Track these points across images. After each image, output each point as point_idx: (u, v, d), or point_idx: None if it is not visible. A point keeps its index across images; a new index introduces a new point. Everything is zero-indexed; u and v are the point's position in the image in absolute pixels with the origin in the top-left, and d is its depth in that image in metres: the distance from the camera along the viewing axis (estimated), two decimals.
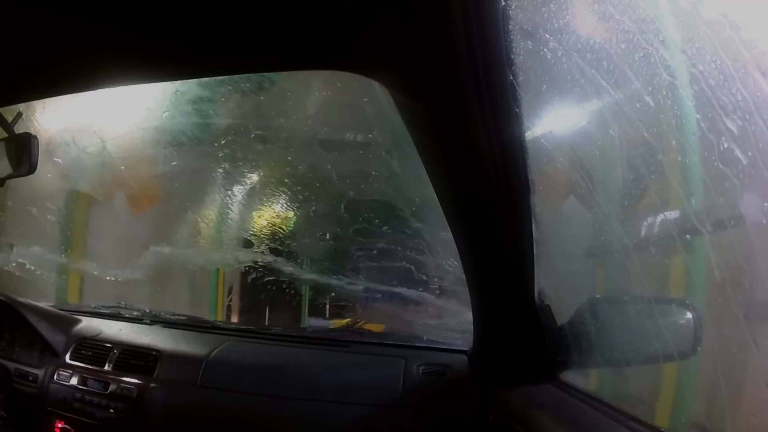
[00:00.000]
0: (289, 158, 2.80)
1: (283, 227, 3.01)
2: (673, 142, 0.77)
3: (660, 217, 0.87)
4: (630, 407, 0.79)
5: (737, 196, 0.64)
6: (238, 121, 2.71)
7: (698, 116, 0.70)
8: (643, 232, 0.94)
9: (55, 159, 2.85)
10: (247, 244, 2.93)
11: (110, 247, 3.51)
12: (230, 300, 4.79)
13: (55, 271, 3.26)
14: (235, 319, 3.68)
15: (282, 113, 2.60)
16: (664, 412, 1.01)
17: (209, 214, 3.18)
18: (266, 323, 3.11)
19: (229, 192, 3.14)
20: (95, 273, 3.34)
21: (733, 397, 0.71)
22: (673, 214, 0.84)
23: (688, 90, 0.70)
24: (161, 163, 3.04)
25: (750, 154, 0.60)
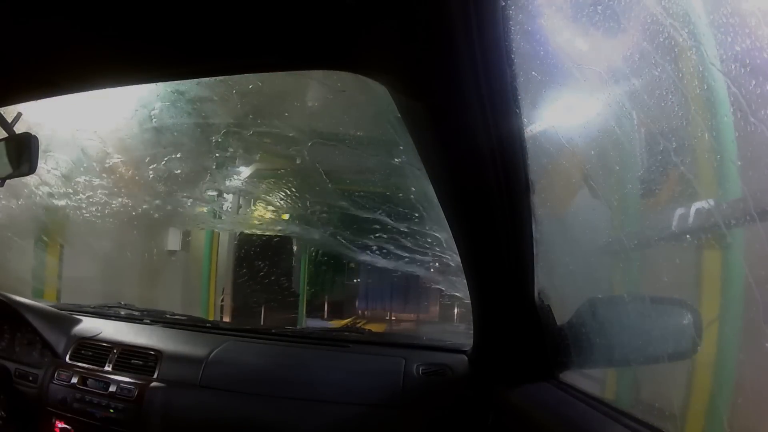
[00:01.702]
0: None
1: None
2: (674, 141, 0.77)
3: (674, 213, 0.86)
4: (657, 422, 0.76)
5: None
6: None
7: (697, 111, 0.70)
8: (649, 230, 0.94)
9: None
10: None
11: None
12: (222, 300, 4.73)
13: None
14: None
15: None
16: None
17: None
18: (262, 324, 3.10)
19: None
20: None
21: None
22: (689, 209, 0.83)
23: (693, 86, 0.70)
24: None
25: None
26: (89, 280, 3.40)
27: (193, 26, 0.54)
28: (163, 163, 3.10)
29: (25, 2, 0.50)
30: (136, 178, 3.31)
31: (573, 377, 1.00)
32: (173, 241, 4.72)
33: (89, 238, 3.49)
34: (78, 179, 3.18)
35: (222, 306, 4.62)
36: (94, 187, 3.28)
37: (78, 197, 3.25)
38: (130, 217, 3.79)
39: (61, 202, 3.24)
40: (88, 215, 3.41)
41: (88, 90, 0.71)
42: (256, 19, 0.53)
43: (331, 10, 0.51)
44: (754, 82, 0.60)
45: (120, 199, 3.46)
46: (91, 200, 3.34)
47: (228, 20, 0.53)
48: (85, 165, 3.06)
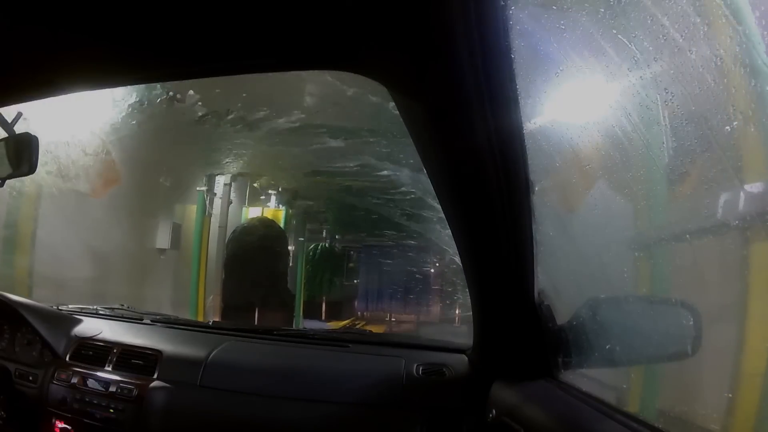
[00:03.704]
0: None
1: None
2: (674, 141, 0.77)
3: (678, 213, 0.85)
4: None
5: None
6: None
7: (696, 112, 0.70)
8: (650, 229, 0.93)
9: None
10: None
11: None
12: (211, 300, 4.60)
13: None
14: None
15: None
16: None
17: None
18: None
19: None
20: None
21: None
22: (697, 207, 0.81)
23: (692, 87, 0.70)
24: None
25: None
26: (70, 281, 3.25)
27: (194, 26, 0.54)
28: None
29: (25, 2, 0.50)
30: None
31: (573, 377, 1.00)
32: (162, 238, 4.59)
33: (71, 233, 3.33)
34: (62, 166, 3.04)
35: (212, 307, 4.49)
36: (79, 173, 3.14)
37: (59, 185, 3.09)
38: (118, 210, 3.66)
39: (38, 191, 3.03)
40: (69, 204, 3.25)
41: (88, 90, 0.72)
42: (256, 19, 0.53)
43: (331, 11, 0.51)
44: None
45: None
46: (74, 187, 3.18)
47: (228, 20, 0.53)
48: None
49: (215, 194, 5.23)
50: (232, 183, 5.33)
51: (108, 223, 3.69)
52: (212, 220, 5.14)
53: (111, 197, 3.68)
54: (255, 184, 6.45)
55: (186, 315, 4.15)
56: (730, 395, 0.93)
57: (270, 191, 6.66)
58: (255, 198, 6.55)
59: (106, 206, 3.66)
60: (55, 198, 3.17)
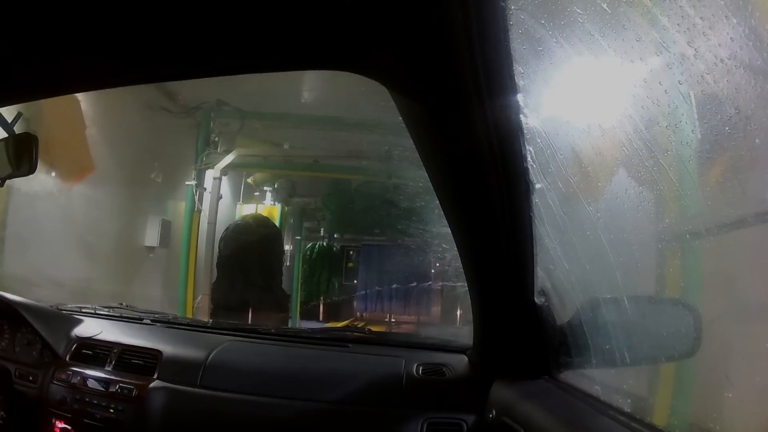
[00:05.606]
0: None
1: None
2: (675, 141, 0.77)
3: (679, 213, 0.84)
4: None
5: None
6: None
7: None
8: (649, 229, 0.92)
9: None
10: None
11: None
12: (199, 301, 4.45)
13: None
14: None
15: None
16: None
17: None
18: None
19: None
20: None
21: None
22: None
23: (692, 86, 0.70)
24: None
25: None
26: (53, 280, 3.17)
27: (194, 26, 0.54)
28: None
29: (26, 2, 0.50)
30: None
31: (573, 377, 1.00)
32: (151, 236, 4.45)
33: (54, 230, 3.27)
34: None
35: (200, 307, 4.34)
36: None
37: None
38: (105, 206, 3.54)
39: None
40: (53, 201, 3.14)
41: (88, 90, 0.72)
42: (256, 19, 0.53)
43: (331, 11, 0.51)
44: None
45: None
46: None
47: (228, 20, 0.53)
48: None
49: (205, 189, 4.94)
50: (222, 177, 5.03)
51: (95, 220, 3.62)
52: (201, 216, 4.87)
53: (99, 192, 3.60)
54: (249, 180, 6.25)
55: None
56: None
57: (265, 187, 6.46)
58: (250, 194, 6.36)
59: (93, 202, 3.59)
60: (37, 191, 3.09)
